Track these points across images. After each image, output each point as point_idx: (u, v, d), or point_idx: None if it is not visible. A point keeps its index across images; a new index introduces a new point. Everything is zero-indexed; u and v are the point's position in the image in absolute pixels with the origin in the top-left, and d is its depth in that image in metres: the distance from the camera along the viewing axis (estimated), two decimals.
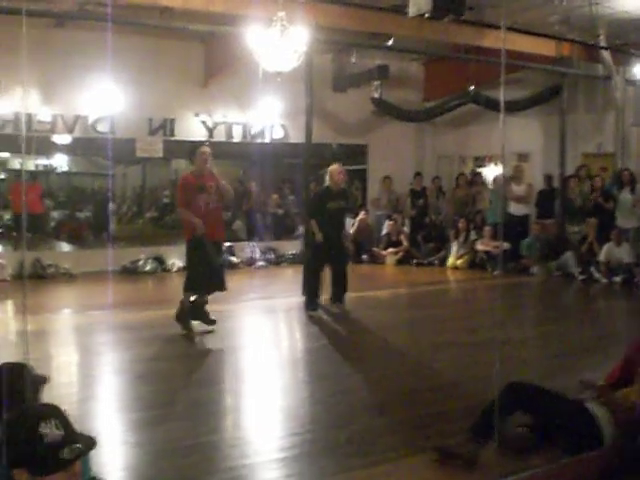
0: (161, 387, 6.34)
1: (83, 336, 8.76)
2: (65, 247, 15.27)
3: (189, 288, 8.17)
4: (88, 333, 8.77)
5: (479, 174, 16.55)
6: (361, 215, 15.76)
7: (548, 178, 14.78)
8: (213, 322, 8.23)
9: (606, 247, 12.70)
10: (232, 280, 12.39)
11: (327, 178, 9.86)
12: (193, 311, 8.20)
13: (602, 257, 12.66)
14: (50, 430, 2.12)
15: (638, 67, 13.02)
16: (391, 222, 15.85)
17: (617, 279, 12.32)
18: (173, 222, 17.85)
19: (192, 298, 8.18)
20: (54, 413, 2.20)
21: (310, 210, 10.07)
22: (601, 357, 7.31)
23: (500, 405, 4.41)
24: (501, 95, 5.25)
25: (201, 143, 8.56)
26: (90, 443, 2.20)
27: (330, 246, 9.52)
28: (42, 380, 3.18)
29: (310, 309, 9.61)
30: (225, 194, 8.24)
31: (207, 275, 7.99)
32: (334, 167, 9.82)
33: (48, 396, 3.20)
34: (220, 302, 8.73)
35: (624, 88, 14.15)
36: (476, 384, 6.30)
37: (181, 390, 6.31)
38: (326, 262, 9.71)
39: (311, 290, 9.77)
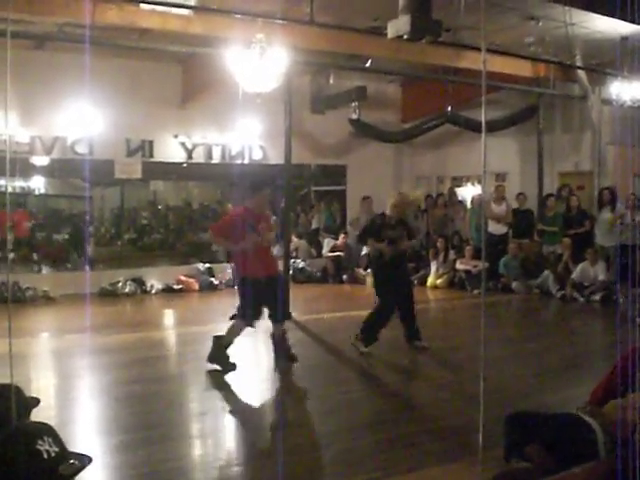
0: (141, 410, 6.28)
1: (62, 359, 8.68)
2: (43, 269, 15.12)
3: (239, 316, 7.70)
4: (67, 356, 8.69)
5: (454, 193, 16.67)
6: (340, 239, 15.95)
7: (522, 197, 14.85)
8: (233, 367, 7.61)
9: (580, 266, 12.81)
10: (213, 302, 12.37)
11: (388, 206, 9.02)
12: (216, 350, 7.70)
13: (576, 276, 12.78)
14: (47, 447, 2.10)
15: (614, 87, 13.15)
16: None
17: (596, 297, 12.38)
18: (152, 243, 17.85)
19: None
20: (48, 431, 2.18)
21: (362, 236, 9.34)
22: (582, 374, 7.33)
23: (511, 445, 4.41)
24: (482, 115, 5.26)
25: (264, 182, 8.22)
26: (85, 460, 2.19)
27: (397, 278, 8.68)
28: (34, 402, 3.17)
29: (365, 345, 8.43)
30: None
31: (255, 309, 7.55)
32: (398, 197, 9.00)
33: None
34: (201, 323, 8.69)
35: (600, 107, 14.32)
36: (459, 403, 6.30)
37: (161, 413, 6.24)
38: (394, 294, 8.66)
39: (375, 324, 8.56)
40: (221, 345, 7.66)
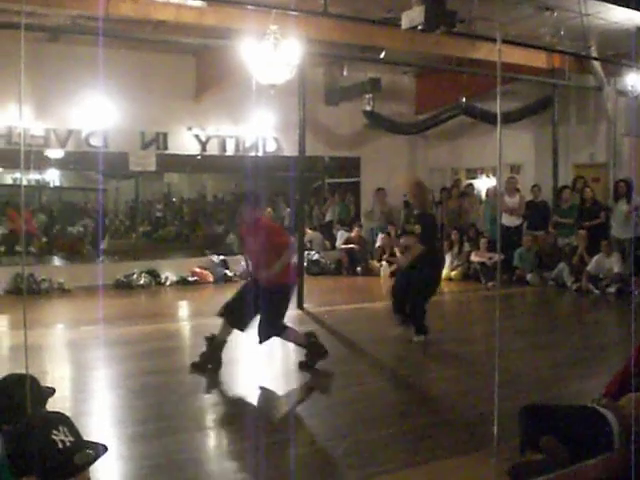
0: (155, 401, 6.30)
1: (77, 351, 8.71)
2: (58, 262, 15.19)
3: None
4: (82, 348, 8.71)
5: (471, 185, 16.62)
6: (354, 232, 15.95)
7: (537, 189, 14.80)
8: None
9: (596, 258, 12.74)
10: (227, 294, 12.39)
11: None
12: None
13: (591, 268, 12.71)
14: (62, 437, 2.10)
15: (629, 78, 13.07)
16: (384, 236, 15.84)
17: (611, 289, 12.31)
18: (166, 236, 17.93)
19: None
20: (63, 421, 2.18)
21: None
22: (597, 367, 7.30)
23: (526, 437, 4.39)
24: (497, 107, 5.24)
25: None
26: (100, 450, 2.19)
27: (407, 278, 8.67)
28: (49, 392, 3.19)
29: (419, 334, 8.58)
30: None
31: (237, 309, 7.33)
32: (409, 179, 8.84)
33: None
34: (215, 315, 8.67)
35: (615, 99, 14.23)
36: (473, 395, 6.28)
37: (176, 404, 6.26)
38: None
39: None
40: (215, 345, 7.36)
